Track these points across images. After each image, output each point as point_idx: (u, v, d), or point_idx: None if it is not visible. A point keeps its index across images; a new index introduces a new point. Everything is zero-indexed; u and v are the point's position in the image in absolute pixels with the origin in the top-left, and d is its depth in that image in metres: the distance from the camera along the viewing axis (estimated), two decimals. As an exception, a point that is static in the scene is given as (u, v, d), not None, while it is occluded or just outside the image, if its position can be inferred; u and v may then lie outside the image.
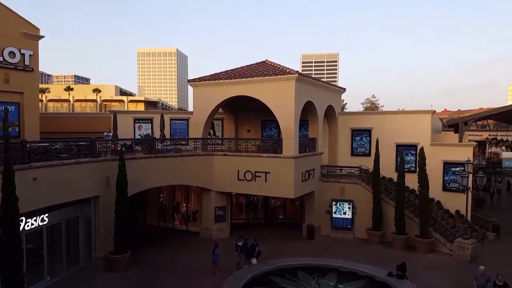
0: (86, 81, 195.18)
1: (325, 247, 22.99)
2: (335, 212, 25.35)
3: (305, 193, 24.39)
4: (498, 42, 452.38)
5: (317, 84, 25.99)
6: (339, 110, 30.00)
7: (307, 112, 25.26)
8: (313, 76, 31.29)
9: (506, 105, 31.88)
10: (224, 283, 16.52)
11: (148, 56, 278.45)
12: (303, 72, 26.59)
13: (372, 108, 68.86)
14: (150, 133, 28.40)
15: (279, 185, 22.48)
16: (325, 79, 42.14)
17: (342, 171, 26.43)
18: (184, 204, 27.42)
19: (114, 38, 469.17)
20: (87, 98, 72.57)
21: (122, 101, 75.68)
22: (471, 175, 22.98)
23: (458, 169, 23.66)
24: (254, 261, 18.69)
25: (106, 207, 18.92)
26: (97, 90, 73.74)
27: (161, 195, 28.19)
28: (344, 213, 25.25)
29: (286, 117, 22.58)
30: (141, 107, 75.58)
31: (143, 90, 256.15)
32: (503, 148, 48.81)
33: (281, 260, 19.34)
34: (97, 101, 71.08)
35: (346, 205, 25.19)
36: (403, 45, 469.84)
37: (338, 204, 25.32)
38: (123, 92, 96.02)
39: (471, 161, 23.39)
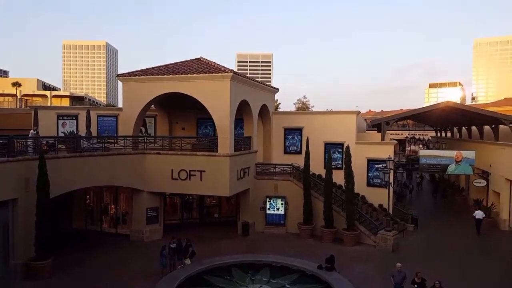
0: (4, 73, 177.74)
1: (259, 243, 23.37)
2: (269, 209, 25.90)
3: (240, 190, 24.57)
4: (418, 48, 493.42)
5: (252, 83, 26.31)
6: (272, 109, 30.66)
7: (242, 111, 25.47)
8: (248, 75, 31.59)
9: (422, 107, 34.89)
10: (156, 286, 16.11)
11: (75, 49, 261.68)
12: (238, 71, 26.73)
13: (303, 108, 71.44)
14: (75, 130, 26.65)
15: (215, 183, 22.38)
16: (259, 79, 42.79)
17: (276, 168, 27.05)
18: (113, 206, 26.16)
19: (39, 28, 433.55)
20: (5, 92, 66.45)
21: (45, 96, 70.49)
22: (392, 171, 24.78)
23: (380, 166, 25.43)
24: (187, 261, 18.44)
25: (25, 210, 17.43)
26: (16, 84, 67.93)
27: (88, 196, 26.64)
28: (277, 209, 25.91)
29: (222, 115, 22.54)
30: (66, 102, 71.17)
31: (68, 84, 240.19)
32: (421, 146, 53.54)
33: (215, 259, 19.36)
34: (16, 96, 65.25)
35: (279, 202, 25.84)
36: (333, 47, 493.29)
37: (272, 200, 25.89)
38: (46, 87, 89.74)
39: (392, 158, 25.26)
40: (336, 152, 27.84)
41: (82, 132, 25.21)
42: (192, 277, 17.52)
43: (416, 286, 14.90)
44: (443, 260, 20.56)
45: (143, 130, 28.45)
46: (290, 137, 29.40)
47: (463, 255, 21.63)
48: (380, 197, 26.25)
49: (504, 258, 20.77)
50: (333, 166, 24.78)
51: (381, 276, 17.72)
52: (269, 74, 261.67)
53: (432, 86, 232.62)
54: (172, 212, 27.45)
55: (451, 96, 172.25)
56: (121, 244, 23.04)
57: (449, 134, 49.94)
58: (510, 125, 28.38)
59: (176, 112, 29.46)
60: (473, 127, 37.78)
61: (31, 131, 22.77)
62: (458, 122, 40.25)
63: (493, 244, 23.81)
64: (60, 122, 28.52)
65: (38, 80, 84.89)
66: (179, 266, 18.17)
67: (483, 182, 29.77)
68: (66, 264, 19.05)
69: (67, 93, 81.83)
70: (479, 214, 26.31)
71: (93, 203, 26.73)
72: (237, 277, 17.96)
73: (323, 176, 25.27)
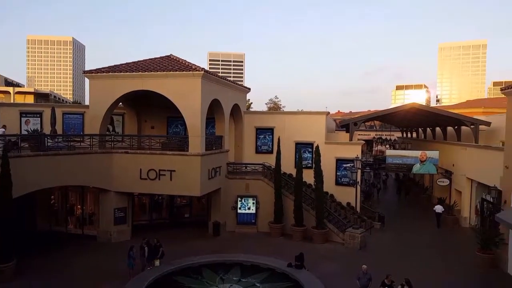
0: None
1: (230, 242, 23.35)
2: (240, 208, 25.91)
3: (211, 190, 24.44)
4: (386, 51, 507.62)
5: (224, 82, 26.22)
6: (244, 109, 30.68)
7: (213, 110, 25.33)
8: (220, 74, 31.46)
9: (389, 108, 35.95)
10: (125, 286, 15.79)
11: (40, 44, 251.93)
12: (210, 70, 26.57)
13: (275, 108, 71.98)
14: (39, 128, 25.69)
15: (185, 183, 22.15)
16: (231, 78, 42.65)
17: (247, 168, 27.11)
18: (79, 206, 25.41)
19: (1, 22, 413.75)
20: (-37, 88, 63.22)
21: (8, 92, 67.49)
22: (359, 171, 25.39)
23: (348, 165, 26.00)
24: (157, 263, 18.14)
25: (-15, 212, 16.62)
26: (-24, 80, 64.55)
27: (52, 197, 25.74)
28: (249, 209, 25.97)
29: (192, 114, 22.31)
30: (30, 99, 68.42)
31: (33, 81, 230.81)
32: (387, 146, 55.10)
33: (185, 259, 19.19)
34: (-25, 92, 62.23)
35: (250, 201, 25.91)
36: (305, 49, 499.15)
37: (243, 200, 25.92)
38: (8, 83, 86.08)
39: (360, 158, 25.88)
40: (306, 152, 28.22)
41: (47, 130, 24.35)
42: (161, 278, 17.29)
43: None
44: (408, 256, 21.28)
45: (111, 128, 27.81)
46: (262, 136, 29.54)
47: (426, 251, 22.42)
48: (348, 195, 26.89)
49: (464, 253, 21.69)
50: (303, 166, 25.10)
51: (349, 273, 18.12)
52: (241, 73, 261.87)
53: (398, 88, 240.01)
54: (141, 213, 26.96)
55: (416, 98, 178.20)
56: (88, 245, 22.42)
57: (414, 134, 51.69)
58: (472, 126, 29.67)
59: (145, 110, 28.93)
60: (437, 128, 39.26)
61: (1, 129, 21.85)
62: (423, 123, 41.74)
63: (455, 240, 24.84)
64: (24, 119, 27.48)
65: (0, 75, 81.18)
66: (148, 268, 17.86)
67: (446, 181, 30.99)
68: (30, 267, 18.37)
69: (31, 90, 78.65)
70: (438, 208, 28.37)
71: (58, 204, 25.85)
72: (207, 277, 17.88)
73: (294, 175, 25.55)
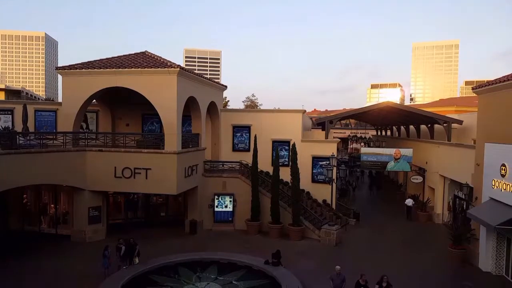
0: None
1: (208, 240, 23.31)
2: (217, 206, 25.89)
3: (188, 188, 24.31)
4: (361, 51, 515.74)
5: (200, 79, 26.07)
6: (221, 107, 30.63)
7: (190, 107, 25.17)
8: (196, 71, 31.26)
9: (364, 106, 36.50)
10: (100, 286, 15.56)
11: (10, 39, 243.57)
12: (186, 67, 26.35)
13: (252, 106, 71.99)
14: (11, 126, 24.91)
15: (161, 181, 21.95)
16: (208, 76, 42.45)
17: (224, 166, 27.09)
18: (52, 206, 24.79)
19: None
20: None
21: (-24, 88, 64.92)
22: (335, 168, 25.77)
23: (324, 163, 26.34)
24: (136, 260, 17.97)
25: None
26: None
27: (25, 196, 25.02)
28: (226, 207, 25.98)
29: (168, 112, 22.10)
30: (1, 96, 66.30)
31: (4, 77, 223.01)
32: (362, 144, 56.10)
33: (161, 258, 19.06)
34: None
35: (227, 199, 25.92)
36: (281, 48, 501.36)
37: (220, 198, 25.90)
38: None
39: (335, 156, 26.27)
40: (283, 150, 28.42)
41: (18, 127, 23.65)
42: (137, 277, 17.11)
43: None
44: (382, 252, 21.80)
45: (84, 126, 27.26)
46: (239, 134, 29.57)
47: (400, 246, 23.04)
48: (324, 193, 27.27)
49: (437, 248, 22.37)
50: (280, 163, 25.29)
51: (324, 269, 18.45)
52: (218, 71, 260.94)
53: (373, 86, 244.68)
54: (116, 212, 26.56)
55: (391, 96, 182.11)
56: (62, 245, 21.94)
57: (389, 132, 52.78)
58: (445, 124, 30.50)
59: (120, 107, 28.48)
60: (411, 126, 40.23)
61: None
62: (397, 121, 42.69)
63: (428, 236, 25.56)
64: (-7, 117, 26.60)
65: (-33, 71, 78.28)
66: (124, 267, 17.63)
67: (419, 179, 31.83)
68: (2, 268, 17.89)
69: (2, 86, 76.23)
70: (409, 201, 30.19)
71: (30, 203, 25.16)
72: (183, 275, 17.82)
73: (271, 173, 25.71)
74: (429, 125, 33.87)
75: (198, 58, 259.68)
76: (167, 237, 23.77)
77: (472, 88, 22.22)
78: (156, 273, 17.83)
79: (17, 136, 20.05)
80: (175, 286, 16.69)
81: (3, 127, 24.45)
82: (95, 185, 22.50)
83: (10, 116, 26.97)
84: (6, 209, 24.57)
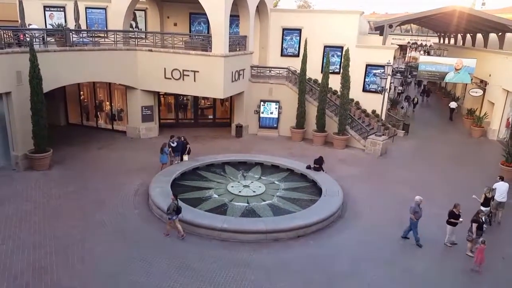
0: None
1: (252, 144, 24.01)
2: (262, 112, 26.05)
3: (234, 93, 24.40)
4: None
5: (250, -25, 24.28)
6: (271, 6, 28.83)
7: (238, 6, 23.98)
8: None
9: (428, 10, 32.82)
10: (155, 177, 16.90)
11: None
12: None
13: (305, 7, 67.48)
14: (64, 23, 25.31)
15: (209, 85, 22.05)
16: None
17: (271, 72, 26.49)
18: (107, 103, 26.15)
19: None
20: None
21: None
22: (389, 77, 24.42)
23: (378, 71, 24.93)
24: (186, 157, 19.06)
25: (20, 104, 17.33)
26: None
27: (82, 93, 26.44)
28: (271, 113, 26.07)
29: (216, 10, 21.12)
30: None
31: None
32: (421, 52, 51.97)
33: (210, 157, 20.05)
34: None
35: (273, 105, 25.90)
36: None
37: (266, 104, 25.92)
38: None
39: (391, 64, 24.63)
40: (335, 56, 26.97)
41: (71, 25, 24.02)
42: (187, 172, 18.33)
43: (461, 220, 12.62)
44: (427, 163, 21.49)
45: (133, 24, 27.13)
46: (288, 38, 28.19)
47: (447, 159, 22.51)
48: (375, 103, 26.17)
49: (486, 164, 21.63)
50: (330, 71, 24.22)
51: (365, 178, 18.72)
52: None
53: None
54: (167, 112, 27.62)
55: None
56: (118, 139, 23.61)
57: (452, 41, 48.24)
58: (518, 33, 27.25)
59: (167, 5, 27.66)
60: (478, 35, 36.36)
61: (29, 25, 21.80)
62: (464, 28, 38.54)
63: (479, 151, 24.67)
64: (48, 13, 27.05)
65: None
66: (176, 162, 18.86)
67: (479, 92, 29.71)
68: (65, 157, 19.67)
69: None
70: (453, 104, 32.22)
71: (87, 100, 26.65)
72: (229, 173, 18.83)
73: (320, 81, 24.92)
74: (499, 34, 30.36)
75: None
76: (214, 138, 24.73)
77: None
78: (204, 169, 18.96)
79: (71, 33, 20.39)
80: (222, 182, 17.79)
81: (56, 24, 24.93)
82: (146, 85, 23.10)
83: (63, 13, 27.27)
84: (66, 105, 26.27)
